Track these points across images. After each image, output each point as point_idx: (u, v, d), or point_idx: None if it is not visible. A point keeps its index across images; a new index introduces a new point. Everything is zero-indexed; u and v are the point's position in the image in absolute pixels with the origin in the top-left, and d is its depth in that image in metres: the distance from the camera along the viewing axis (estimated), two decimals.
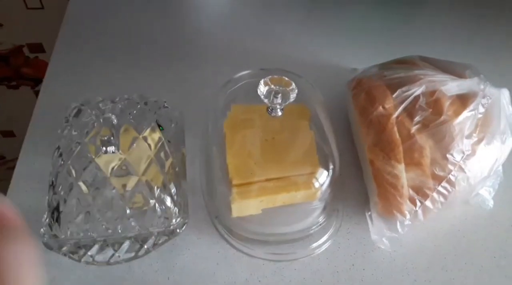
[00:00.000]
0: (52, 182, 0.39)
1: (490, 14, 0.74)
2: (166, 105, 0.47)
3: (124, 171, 0.40)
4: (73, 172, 0.39)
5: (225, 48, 0.65)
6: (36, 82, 0.96)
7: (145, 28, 0.66)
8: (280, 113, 0.45)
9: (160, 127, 0.43)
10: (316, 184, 0.44)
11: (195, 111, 0.53)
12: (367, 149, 0.46)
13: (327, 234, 0.45)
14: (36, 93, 0.99)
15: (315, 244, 0.45)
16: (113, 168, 0.39)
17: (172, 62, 0.62)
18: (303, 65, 0.63)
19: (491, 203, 0.50)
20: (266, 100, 0.43)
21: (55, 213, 0.38)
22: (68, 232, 0.39)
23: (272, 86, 0.43)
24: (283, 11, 0.71)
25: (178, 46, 0.64)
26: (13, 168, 0.49)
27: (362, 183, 0.50)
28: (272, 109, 0.44)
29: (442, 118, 0.44)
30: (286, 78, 0.43)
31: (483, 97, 0.46)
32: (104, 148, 0.39)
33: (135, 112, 0.43)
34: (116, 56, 0.62)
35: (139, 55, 0.63)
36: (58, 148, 0.41)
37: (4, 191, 0.47)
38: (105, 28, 0.66)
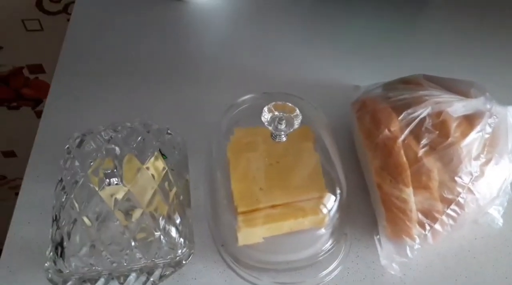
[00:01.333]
0: (56, 216, 0.39)
1: (495, 28, 0.73)
2: (169, 132, 0.46)
3: (128, 203, 0.39)
4: (77, 206, 0.38)
5: (227, 71, 0.64)
6: (36, 102, 0.96)
7: (146, 52, 0.66)
8: (284, 139, 0.44)
9: (164, 156, 0.43)
10: (324, 210, 0.43)
11: (198, 136, 0.53)
12: (374, 173, 0.45)
13: (336, 260, 0.45)
14: (37, 113, 0.98)
15: (324, 272, 0.44)
16: (117, 201, 0.38)
17: (174, 86, 0.62)
18: (305, 86, 0.62)
19: (500, 221, 0.50)
20: (270, 127, 0.42)
21: (59, 248, 0.37)
22: (73, 266, 0.38)
23: (276, 113, 0.43)
24: (284, 32, 0.71)
25: (179, 70, 0.64)
26: (14, 187, 0.49)
27: (370, 205, 0.50)
28: (276, 135, 0.44)
29: (449, 140, 0.43)
30: (290, 104, 0.43)
31: (490, 117, 0.46)
32: (107, 180, 0.39)
33: (138, 141, 0.43)
34: (117, 80, 0.62)
35: (141, 79, 0.62)
36: (61, 180, 0.40)
37: (6, 223, 0.47)
38: (106, 51, 0.65)
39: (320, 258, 0.44)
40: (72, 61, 0.64)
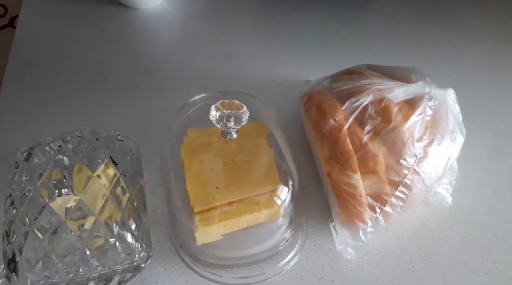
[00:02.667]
0: (6, 232, 0.38)
1: (436, 17, 0.76)
2: (120, 138, 0.46)
3: (80, 212, 0.39)
4: (27, 219, 0.38)
5: (179, 74, 0.65)
6: None
7: (96, 60, 0.65)
8: (235, 136, 0.45)
9: (114, 162, 0.43)
10: (278, 201, 0.44)
11: (153, 140, 0.53)
12: (323, 162, 0.46)
13: (294, 249, 0.46)
14: None
15: (283, 261, 0.45)
16: (68, 211, 0.38)
17: (127, 93, 0.61)
18: (258, 83, 0.63)
19: (449, 199, 0.52)
20: (219, 125, 0.43)
21: (11, 263, 0.37)
22: (28, 282, 0.38)
23: (224, 111, 0.43)
24: (234, 33, 0.71)
25: (130, 77, 0.64)
26: None
27: (325, 195, 0.51)
28: (226, 133, 0.44)
29: (392, 125, 0.45)
30: (237, 102, 0.44)
31: (430, 100, 0.48)
32: (57, 191, 0.38)
33: (87, 149, 0.43)
34: (67, 91, 0.61)
35: (92, 89, 0.61)
36: (10, 195, 0.40)
37: None
38: (54, 62, 0.64)
39: (279, 249, 0.45)
40: (19, 74, 0.62)
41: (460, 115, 0.51)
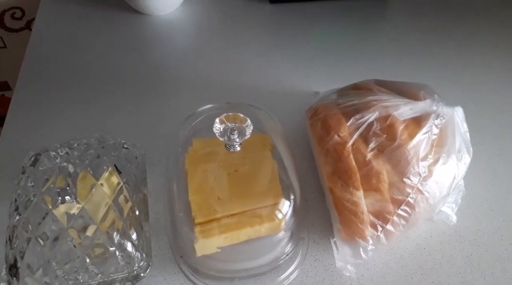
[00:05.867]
0: (9, 237, 0.39)
1: (450, 33, 0.76)
2: (126, 146, 0.47)
3: (82, 220, 0.39)
4: (30, 226, 0.38)
5: (188, 82, 0.65)
6: (3, 119, 0.95)
7: (108, 66, 0.66)
8: (238, 149, 0.45)
9: (119, 171, 0.43)
10: (279, 215, 0.44)
11: (160, 148, 0.54)
12: (326, 177, 0.46)
13: (294, 263, 0.46)
14: None
15: (283, 276, 0.45)
16: (70, 219, 0.39)
17: (136, 100, 0.62)
18: (266, 94, 0.64)
19: (454, 218, 0.51)
20: (222, 138, 0.43)
21: (13, 268, 0.38)
22: None
23: (228, 124, 0.44)
24: (244, 43, 0.72)
25: (140, 84, 0.64)
26: None
27: (327, 210, 0.51)
28: (230, 146, 0.45)
29: (397, 142, 0.45)
30: (242, 115, 0.44)
31: (437, 118, 0.47)
32: (60, 199, 0.39)
33: (92, 157, 0.43)
34: (78, 96, 0.62)
35: (103, 95, 0.62)
36: (15, 200, 0.41)
37: None
38: (67, 67, 0.66)
39: (280, 262, 0.45)
40: (33, 77, 0.64)
41: (468, 134, 0.50)
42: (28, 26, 0.80)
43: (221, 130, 0.43)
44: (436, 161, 0.46)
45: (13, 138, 0.56)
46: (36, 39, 0.69)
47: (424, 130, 0.46)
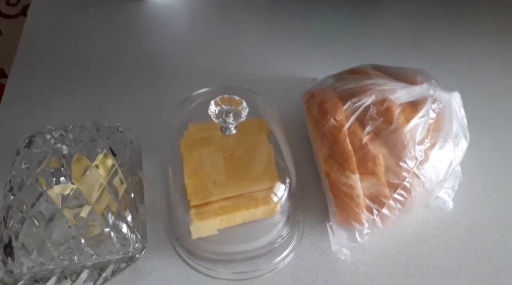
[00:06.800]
0: (3, 217, 0.39)
1: (446, 19, 0.75)
2: (120, 129, 0.47)
3: (76, 201, 0.39)
4: (24, 206, 0.38)
5: (185, 68, 0.65)
6: None
7: (102, 52, 0.66)
8: (234, 132, 0.45)
9: (113, 153, 0.43)
10: (275, 199, 0.44)
11: (156, 134, 0.53)
12: (322, 161, 0.46)
13: (290, 246, 0.46)
14: None
15: (278, 258, 0.45)
16: (65, 199, 0.39)
17: (132, 86, 0.62)
18: (264, 80, 0.63)
19: (450, 204, 0.51)
20: (217, 120, 0.43)
21: (8, 249, 0.37)
22: (24, 267, 0.38)
23: (223, 106, 0.43)
24: (242, 29, 0.71)
25: (136, 70, 0.64)
26: None
27: (324, 194, 0.51)
28: (225, 128, 0.44)
29: (393, 126, 0.44)
30: (237, 97, 0.44)
31: (433, 102, 0.47)
32: (55, 179, 0.39)
33: (87, 139, 0.43)
34: (73, 82, 0.61)
35: (97, 81, 0.62)
36: (9, 181, 0.40)
37: None
38: (62, 53, 0.65)
39: (275, 245, 0.45)
40: (27, 64, 0.63)
41: (465, 120, 0.50)
42: (23, 12, 0.80)
43: (216, 112, 0.43)
44: (432, 146, 0.46)
45: (7, 125, 0.56)
46: (31, 25, 0.69)
47: (420, 113, 0.45)
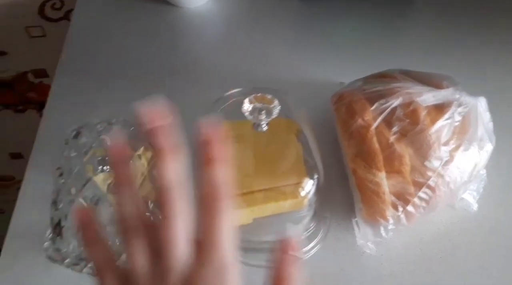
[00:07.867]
0: (54, 200, 0.42)
1: (475, 26, 0.76)
2: None
3: None
4: (73, 190, 0.41)
5: (218, 71, 0.68)
6: (41, 105, 1.00)
7: (141, 55, 0.69)
8: (265, 128, 0.47)
9: None
10: (303, 193, 0.46)
11: (191, 131, 0.56)
12: (349, 159, 0.48)
13: (316, 239, 0.48)
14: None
15: (304, 249, 0.47)
16: (109, 185, 0.42)
17: (168, 86, 0.65)
18: (292, 83, 0.66)
19: (475, 206, 0.52)
20: (251, 117, 0.46)
21: (57, 228, 0.41)
22: (71, 246, 0.41)
23: (257, 104, 0.46)
24: (272, 33, 0.74)
25: (172, 71, 0.67)
26: None
27: (350, 193, 0.53)
28: (258, 125, 0.47)
29: (419, 127, 0.46)
30: (269, 96, 0.46)
31: (459, 106, 0.48)
32: (100, 167, 0.42)
33: (130, 133, 0.46)
34: (114, 82, 0.65)
35: (135, 78, 0.66)
36: (59, 168, 0.44)
37: (11, 210, 0.50)
38: (103, 53, 0.69)
39: (302, 237, 0.47)
40: (72, 64, 0.68)
41: (491, 124, 0.51)
42: (67, 16, 0.85)
43: (250, 109, 0.46)
44: (457, 147, 0.47)
45: (54, 120, 0.60)
46: (74, 28, 0.73)
47: (446, 116, 0.47)
